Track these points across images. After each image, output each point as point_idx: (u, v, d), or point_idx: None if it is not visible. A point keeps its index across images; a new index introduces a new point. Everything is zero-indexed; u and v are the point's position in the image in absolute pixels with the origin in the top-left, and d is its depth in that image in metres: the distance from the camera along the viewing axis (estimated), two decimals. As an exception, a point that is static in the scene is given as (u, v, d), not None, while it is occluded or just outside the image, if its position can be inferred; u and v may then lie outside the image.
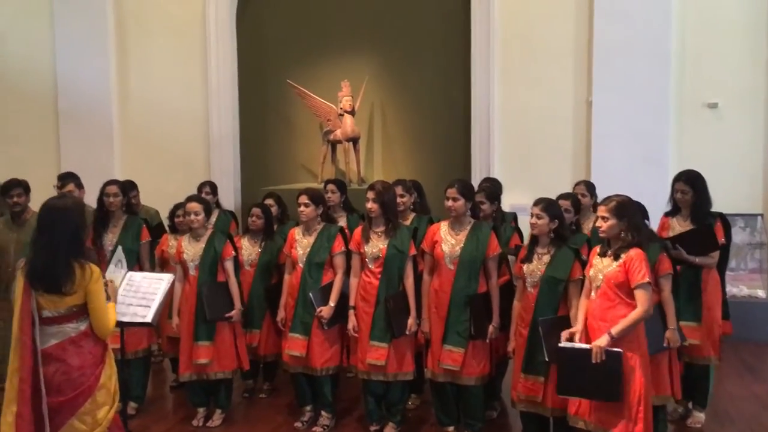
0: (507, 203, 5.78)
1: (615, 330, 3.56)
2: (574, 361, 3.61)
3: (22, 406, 3.18)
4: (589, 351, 3.57)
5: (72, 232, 3.28)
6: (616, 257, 3.68)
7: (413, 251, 4.57)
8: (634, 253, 3.64)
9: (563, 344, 3.69)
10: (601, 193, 4.09)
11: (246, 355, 4.99)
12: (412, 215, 5.11)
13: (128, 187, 5.55)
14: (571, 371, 3.63)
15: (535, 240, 4.17)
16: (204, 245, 4.81)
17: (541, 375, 4.06)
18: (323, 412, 4.87)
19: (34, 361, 3.20)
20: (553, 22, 6.68)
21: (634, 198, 3.87)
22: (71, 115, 7.52)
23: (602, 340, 3.56)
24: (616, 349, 3.54)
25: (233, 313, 4.79)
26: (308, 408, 4.95)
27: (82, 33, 7.43)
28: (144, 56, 7.50)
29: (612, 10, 6.37)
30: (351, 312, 4.62)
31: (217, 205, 6.19)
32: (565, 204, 4.58)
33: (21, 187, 5.25)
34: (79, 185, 5.62)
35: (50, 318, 3.27)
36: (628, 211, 3.72)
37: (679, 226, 4.62)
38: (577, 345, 3.66)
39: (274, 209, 5.51)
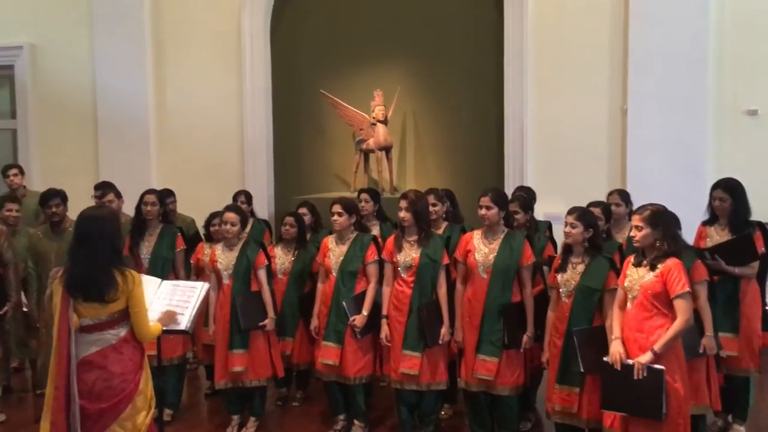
0: (541, 212, 5.73)
1: (658, 346, 3.51)
2: (617, 375, 3.57)
3: (56, 414, 3.26)
4: (631, 366, 3.52)
5: (109, 241, 3.35)
6: (653, 267, 3.62)
7: (446, 260, 4.57)
8: (672, 263, 3.58)
9: (606, 359, 3.65)
10: (638, 202, 4.03)
11: (280, 363, 5.01)
12: (444, 224, 5.11)
13: (165, 195, 5.65)
14: (614, 386, 3.59)
15: (569, 249, 4.13)
16: (237, 254, 4.86)
17: (576, 386, 4.01)
18: (356, 421, 4.87)
19: (68, 369, 3.27)
20: (588, 29, 6.60)
21: (672, 207, 3.81)
22: (110, 125, 7.67)
23: (645, 357, 3.51)
24: (657, 366, 3.49)
25: (266, 322, 4.83)
26: (341, 417, 4.96)
27: (121, 46, 7.58)
28: (180, 67, 7.63)
29: (648, 15, 6.28)
30: (384, 321, 4.62)
31: (252, 214, 6.24)
32: (595, 212, 4.53)
33: (59, 197, 5.35)
34: (118, 195, 5.75)
35: (91, 326, 3.33)
36: (663, 219, 3.67)
37: (717, 235, 4.54)
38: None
39: (307, 218, 5.54)
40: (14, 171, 6.41)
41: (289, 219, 5.33)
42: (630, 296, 3.69)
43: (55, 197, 5.32)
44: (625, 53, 6.43)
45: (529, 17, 6.68)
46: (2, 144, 9.94)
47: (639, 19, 6.32)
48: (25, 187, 6.56)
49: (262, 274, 4.87)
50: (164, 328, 3.74)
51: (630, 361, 3.55)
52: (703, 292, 3.95)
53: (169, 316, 3.85)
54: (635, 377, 3.49)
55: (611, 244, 4.52)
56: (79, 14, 7.75)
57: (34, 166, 7.81)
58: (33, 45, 7.95)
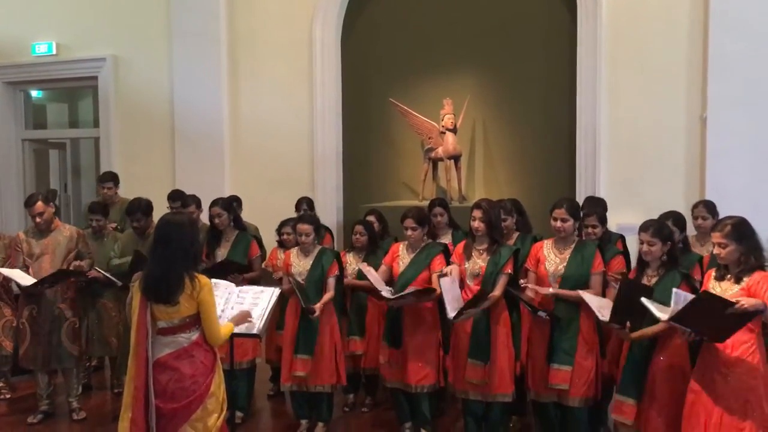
0: (614, 223, 5.58)
1: None
2: (709, 304, 3.37)
3: (136, 413, 3.37)
4: (730, 303, 3.30)
5: (186, 247, 3.45)
6: (738, 280, 3.49)
7: (508, 269, 4.47)
8: (760, 276, 3.45)
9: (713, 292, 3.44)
10: (720, 214, 3.88)
11: (344, 371, 5.06)
12: (515, 234, 5.05)
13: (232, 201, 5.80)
14: (697, 311, 3.39)
15: (645, 262, 4.02)
16: (312, 261, 4.95)
17: (632, 398, 3.92)
18: (422, 430, 4.85)
19: (146, 370, 3.38)
20: (664, 34, 6.40)
21: (755, 220, 3.63)
22: (186, 135, 7.90)
23: (752, 302, 3.29)
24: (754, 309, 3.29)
25: (316, 306, 4.76)
26: (408, 425, 4.95)
27: (197, 58, 7.80)
28: (254, 79, 7.80)
29: (729, 19, 6.03)
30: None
31: None
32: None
33: (140, 211, 5.51)
34: (198, 205, 5.97)
35: (165, 328, 3.44)
36: (746, 232, 3.53)
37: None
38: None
39: (375, 226, 5.58)
40: (109, 185, 6.65)
41: (359, 228, 5.42)
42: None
43: (136, 212, 5.51)
44: (705, 58, 6.21)
45: (603, 22, 6.53)
46: (86, 151, 10.47)
47: (719, 23, 6.09)
48: (116, 193, 6.80)
49: (331, 281, 4.94)
50: (236, 331, 3.82)
51: (734, 300, 3.33)
52: None
53: (243, 316, 3.88)
54: (730, 310, 3.28)
55: (692, 257, 4.36)
56: (158, 28, 8.03)
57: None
58: (115, 57, 8.27)
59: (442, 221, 5.48)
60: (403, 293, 4.56)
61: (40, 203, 5.21)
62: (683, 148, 6.38)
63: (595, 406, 4.47)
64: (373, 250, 5.37)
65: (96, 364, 6.61)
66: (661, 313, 3.57)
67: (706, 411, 3.49)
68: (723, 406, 3.45)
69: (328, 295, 4.89)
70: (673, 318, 3.46)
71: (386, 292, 4.59)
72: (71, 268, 5.30)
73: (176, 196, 6.24)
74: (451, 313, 4.27)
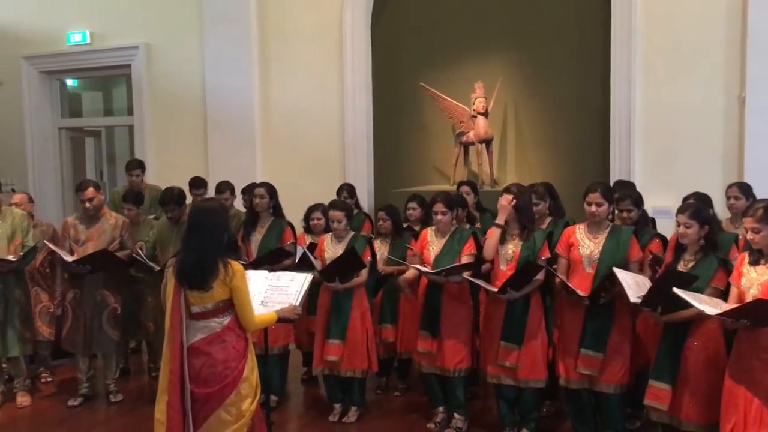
0: (649, 207, 5.49)
1: None
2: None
3: (172, 396, 3.42)
4: None
5: (218, 233, 3.49)
6: None
7: (546, 254, 4.45)
8: None
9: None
10: (759, 196, 3.78)
11: (376, 357, 5.08)
12: (548, 219, 5.01)
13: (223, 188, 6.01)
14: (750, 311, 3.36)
15: (682, 246, 3.94)
16: (345, 247, 4.98)
17: (667, 383, 3.86)
18: (456, 414, 4.86)
19: (181, 354, 3.43)
20: (701, 11, 6.20)
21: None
22: (218, 121, 7.94)
23: None
24: None
25: (336, 284, 4.86)
26: (440, 409, 4.96)
27: (228, 45, 7.81)
28: (284, 65, 7.80)
29: (769, -2, 5.88)
30: None
31: (357, 205, 6.35)
32: None
33: (173, 203, 5.58)
34: (233, 192, 6.04)
35: (198, 313, 3.48)
36: None
37: None
38: None
39: (417, 212, 5.57)
40: (137, 172, 6.72)
41: (381, 214, 5.50)
42: (749, 297, 3.47)
43: (169, 203, 5.58)
44: (744, 36, 6.03)
45: (639, 3, 6.38)
46: (121, 138, 10.62)
47: (759, 3, 5.91)
48: (143, 181, 6.91)
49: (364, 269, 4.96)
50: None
51: None
52: None
53: (290, 310, 3.91)
54: None
55: (726, 237, 4.27)
56: (189, 15, 8.05)
57: (148, 160, 8.14)
58: (148, 45, 8.34)
59: (468, 200, 5.53)
60: (442, 269, 4.58)
61: (91, 189, 5.36)
62: (721, 129, 6.22)
63: (634, 390, 4.41)
64: (399, 234, 5.38)
65: (134, 347, 6.74)
66: (702, 304, 3.47)
67: (745, 398, 3.42)
68: (762, 392, 3.38)
69: (357, 280, 4.91)
70: (725, 314, 3.38)
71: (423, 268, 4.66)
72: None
73: (198, 183, 6.31)
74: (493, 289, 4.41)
